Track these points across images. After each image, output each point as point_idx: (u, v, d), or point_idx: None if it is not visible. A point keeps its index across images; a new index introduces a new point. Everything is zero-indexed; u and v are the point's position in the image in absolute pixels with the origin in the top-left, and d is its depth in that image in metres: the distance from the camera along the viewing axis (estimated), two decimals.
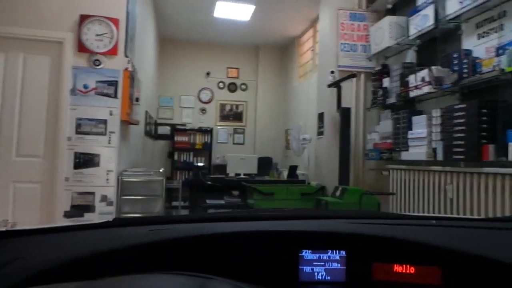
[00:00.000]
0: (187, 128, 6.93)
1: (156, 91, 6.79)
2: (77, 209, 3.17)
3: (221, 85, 7.37)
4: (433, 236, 0.72)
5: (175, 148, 6.76)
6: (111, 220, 0.81)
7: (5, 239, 0.70)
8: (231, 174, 4.97)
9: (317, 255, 0.72)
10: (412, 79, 3.13)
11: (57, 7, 3.12)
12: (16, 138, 3.10)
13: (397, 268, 0.69)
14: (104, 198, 3.22)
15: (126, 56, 3.31)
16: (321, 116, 4.35)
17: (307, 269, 0.72)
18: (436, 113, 2.86)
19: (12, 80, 3.09)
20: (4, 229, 0.73)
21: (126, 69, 3.26)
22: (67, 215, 3.15)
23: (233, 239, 0.71)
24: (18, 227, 0.74)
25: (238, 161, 4.93)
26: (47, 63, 3.14)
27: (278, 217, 0.86)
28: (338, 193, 3.42)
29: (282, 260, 0.71)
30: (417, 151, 3.03)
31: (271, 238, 0.73)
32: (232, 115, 7.40)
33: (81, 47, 3.12)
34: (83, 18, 3.11)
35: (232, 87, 7.43)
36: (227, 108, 7.39)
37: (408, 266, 0.69)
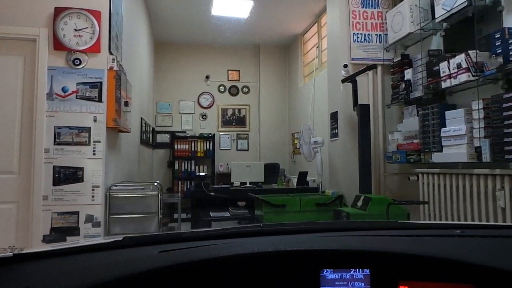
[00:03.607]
0: (187, 135, 6.51)
1: (153, 97, 6.40)
2: (58, 232, 2.73)
3: (221, 88, 6.97)
4: (463, 250, 0.66)
5: (175, 156, 6.33)
6: (120, 239, 0.78)
7: (13, 264, 0.68)
8: (236, 183, 4.55)
9: (339, 274, 0.67)
10: (444, 67, 2.68)
11: (28, 0, 2.71)
12: None
13: (426, 286, 0.63)
14: (89, 218, 2.78)
15: (111, 54, 2.89)
16: (334, 116, 3.89)
17: None
18: (478, 105, 2.40)
19: None
20: (11, 254, 0.69)
21: (111, 68, 2.83)
22: (46, 240, 2.71)
23: (248, 260, 0.67)
24: (25, 251, 0.72)
25: (243, 169, 4.49)
26: (19, 64, 2.73)
27: (292, 231, 0.83)
28: (360, 203, 2.96)
29: (302, 280, 0.67)
30: (454, 152, 2.56)
31: (290, 257, 0.68)
32: (235, 120, 6.97)
33: (58, 45, 2.70)
34: (59, 11, 2.69)
35: (234, 91, 7.01)
36: (229, 112, 6.96)
37: (437, 284, 0.63)
